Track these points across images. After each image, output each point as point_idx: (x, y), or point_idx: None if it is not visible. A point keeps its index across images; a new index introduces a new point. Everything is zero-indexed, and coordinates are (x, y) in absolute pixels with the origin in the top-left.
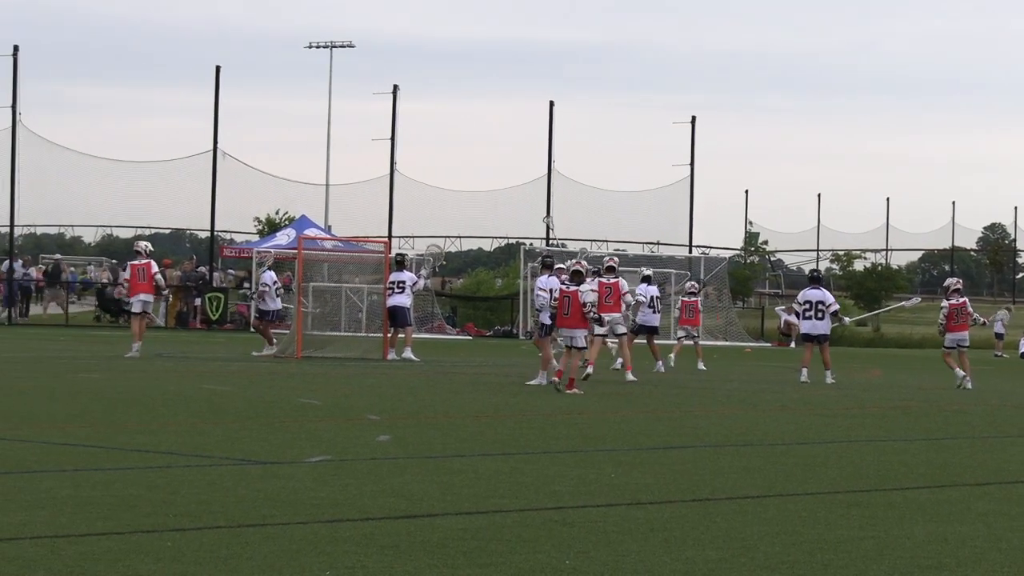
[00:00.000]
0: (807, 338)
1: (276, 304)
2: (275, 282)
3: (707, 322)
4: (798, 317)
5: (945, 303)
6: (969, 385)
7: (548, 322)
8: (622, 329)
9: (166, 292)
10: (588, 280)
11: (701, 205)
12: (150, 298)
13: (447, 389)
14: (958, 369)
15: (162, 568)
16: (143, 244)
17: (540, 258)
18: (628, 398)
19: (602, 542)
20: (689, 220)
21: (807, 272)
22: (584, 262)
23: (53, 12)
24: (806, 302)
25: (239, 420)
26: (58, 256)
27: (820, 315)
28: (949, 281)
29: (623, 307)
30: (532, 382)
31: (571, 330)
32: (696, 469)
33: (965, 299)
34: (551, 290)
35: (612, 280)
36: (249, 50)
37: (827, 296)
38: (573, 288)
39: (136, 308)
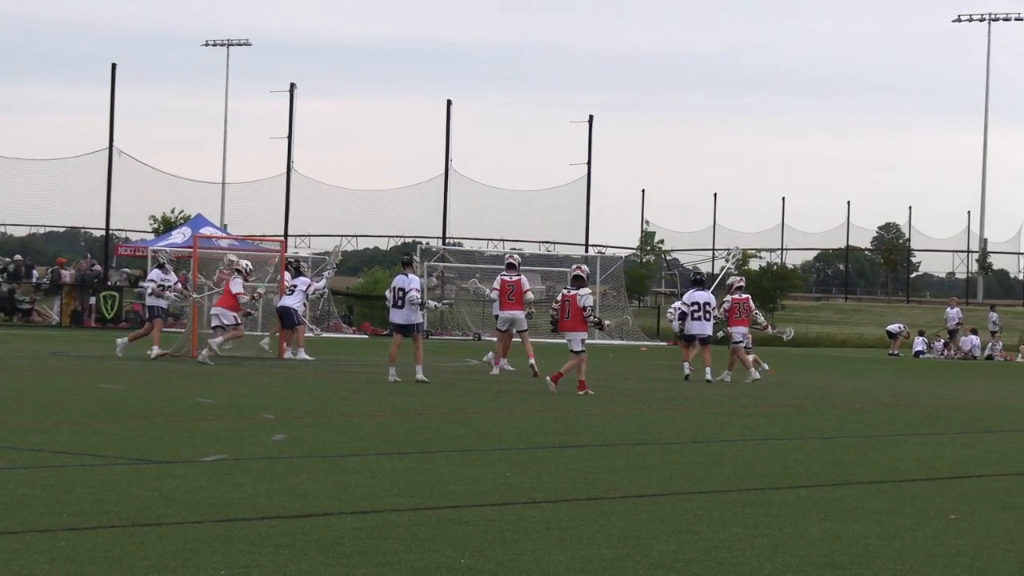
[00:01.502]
0: (693, 338)
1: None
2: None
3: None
4: (685, 318)
5: (728, 298)
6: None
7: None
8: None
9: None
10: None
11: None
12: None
13: (343, 388)
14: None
15: (56, 568)
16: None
17: (407, 257)
18: (524, 397)
19: (497, 541)
20: (586, 219)
21: (691, 275)
22: (584, 267)
23: None
24: (693, 303)
25: (134, 419)
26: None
27: (707, 316)
28: (733, 279)
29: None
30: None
31: (570, 333)
32: (591, 468)
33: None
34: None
35: (515, 278)
36: (146, 47)
37: (712, 298)
38: (573, 292)
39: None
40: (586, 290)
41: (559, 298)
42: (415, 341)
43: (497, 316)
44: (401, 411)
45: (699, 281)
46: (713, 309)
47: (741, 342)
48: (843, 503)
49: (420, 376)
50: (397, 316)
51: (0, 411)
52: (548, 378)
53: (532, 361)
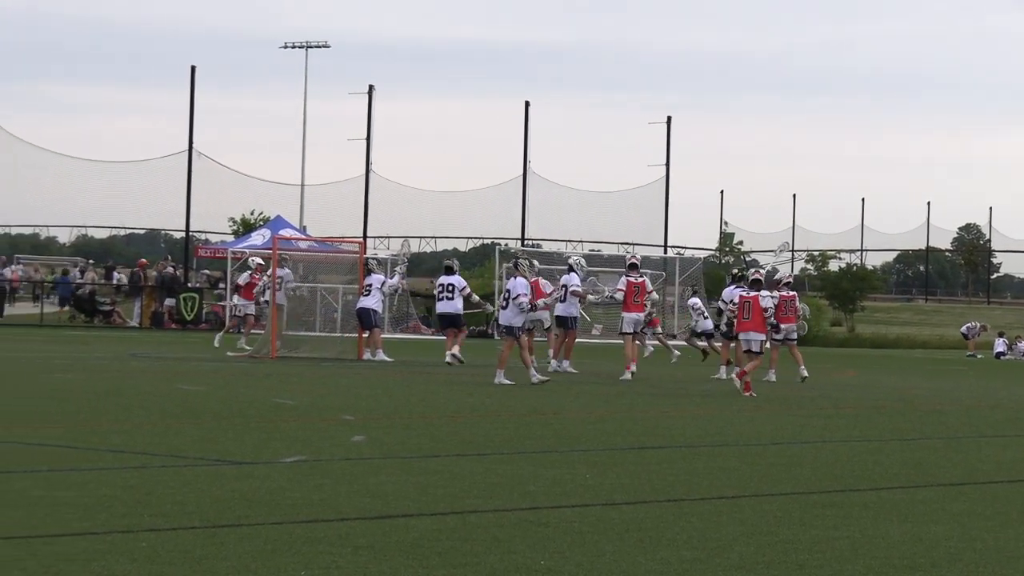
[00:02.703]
0: (734, 337)
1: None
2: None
3: (683, 322)
4: (721, 315)
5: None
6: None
7: (519, 323)
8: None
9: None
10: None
11: (676, 205)
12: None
13: (422, 389)
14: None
15: (137, 568)
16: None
17: (513, 260)
18: (604, 398)
19: (577, 542)
20: (664, 220)
21: (735, 273)
22: (762, 271)
23: (29, 11)
24: (731, 300)
25: (214, 420)
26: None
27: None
28: (780, 275)
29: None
30: (499, 381)
31: (749, 334)
32: (671, 469)
33: (795, 293)
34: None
35: (640, 279)
36: (225, 50)
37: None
38: (753, 294)
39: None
40: (767, 292)
41: (736, 299)
42: (519, 343)
43: (623, 318)
44: (480, 412)
45: (739, 278)
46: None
47: (793, 339)
48: (924, 505)
49: (536, 379)
50: (503, 318)
51: (81, 412)
52: (736, 381)
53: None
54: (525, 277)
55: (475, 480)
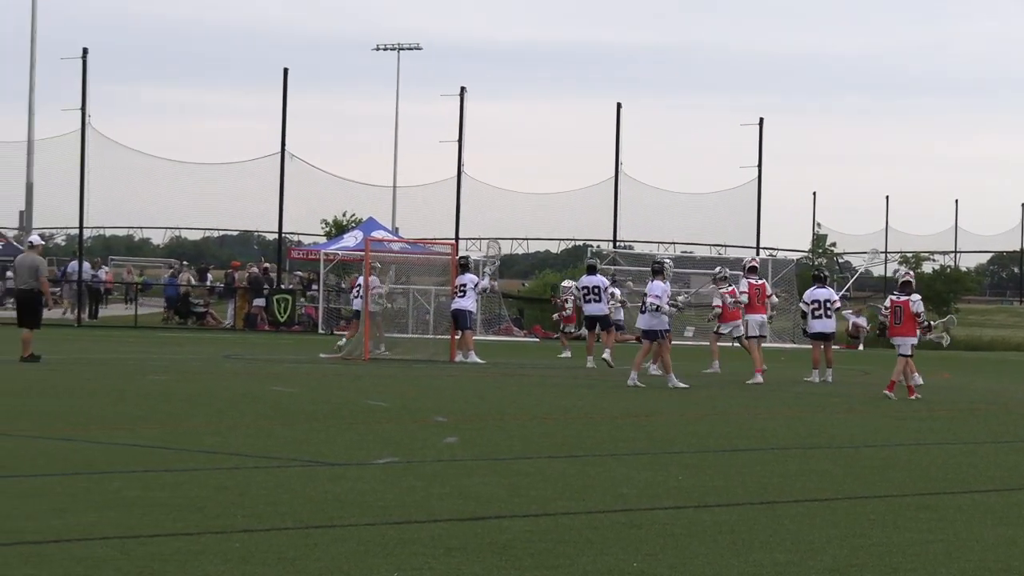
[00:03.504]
0: (818, 336)
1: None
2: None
3: (776, 325)
4: (805, 317)
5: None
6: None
7: (666, 327)
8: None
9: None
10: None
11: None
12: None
13: (514, 391)
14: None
15: (230, 569)
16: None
17: (654, 264)
18: (695, 400)
19: (670, 544)
20: (757, 222)
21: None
22: (912, 273)
23: (122, 15)
24: (814, 301)
25: (307, 422)
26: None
27: (828, 313)
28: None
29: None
30: (632, 382)
31: (901, 337)
32: (763, 471)
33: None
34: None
35: (760, 281)
36: (317, 52)
37: (833, 295)
38: (904, 298)
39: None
40: (917, 296)
41: (887, 303)
42: (660, 347)
43: (747, 320)
44: (572, 414)
45: (821, 278)
46: (833, 306)
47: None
48: (1019, 508)
49: (675, 383)
50: (641, 321)
51: (175, 413)
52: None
53: (760, 378)
54: (664, 281)
55: (568, 482)
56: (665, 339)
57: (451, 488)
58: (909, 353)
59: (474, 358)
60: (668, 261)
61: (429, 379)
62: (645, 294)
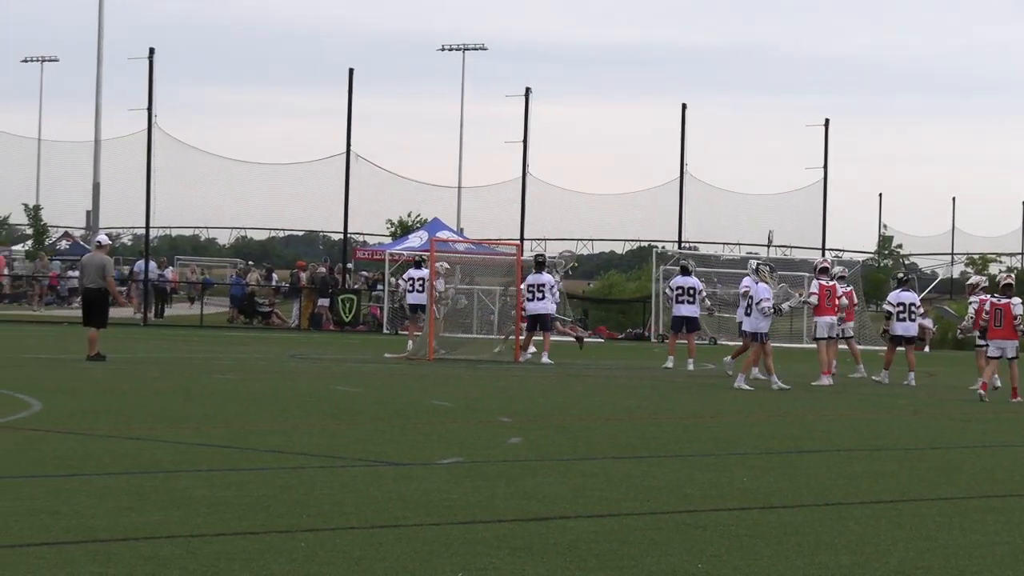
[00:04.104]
0: (898, 340)
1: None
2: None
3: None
4: (889, 318)
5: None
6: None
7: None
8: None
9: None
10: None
11: (834, 208)
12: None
13: (579, 392)
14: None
15: (296, 568)
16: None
17: (756, 265)
18: (761, 402)
19: (734, 546)
20: (822, 223)
21: (900, 276)
22: (1012, 275)
23: (189, 15)
24: (899, 303)
25: (372, 421)
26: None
27: (913, 317)
28: (976, 279)
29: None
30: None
31: (1003, 341)
32: (828, 473)
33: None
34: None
35: (831, 283)
36: (383, 53)
37: (916, 298)
38: (1004, 301)
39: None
40: (1018, 299)
41: (988, 307)
42: (763, 348)
43: (817, 322)
44: (636, 415)
45: (905, 281)
46: (918, 310)
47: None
48: None
49: (778, 384)
50: (747, 324)
51: (240, 413)
52: (979, 390)
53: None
54: (767, 283)
55: (632, 483)
56: (766, 341)
57: (515, 488)
58: (1014, 356)
59: (546, 359)
60: (769, 264)
61: (493, 379)
62: (750, 296)
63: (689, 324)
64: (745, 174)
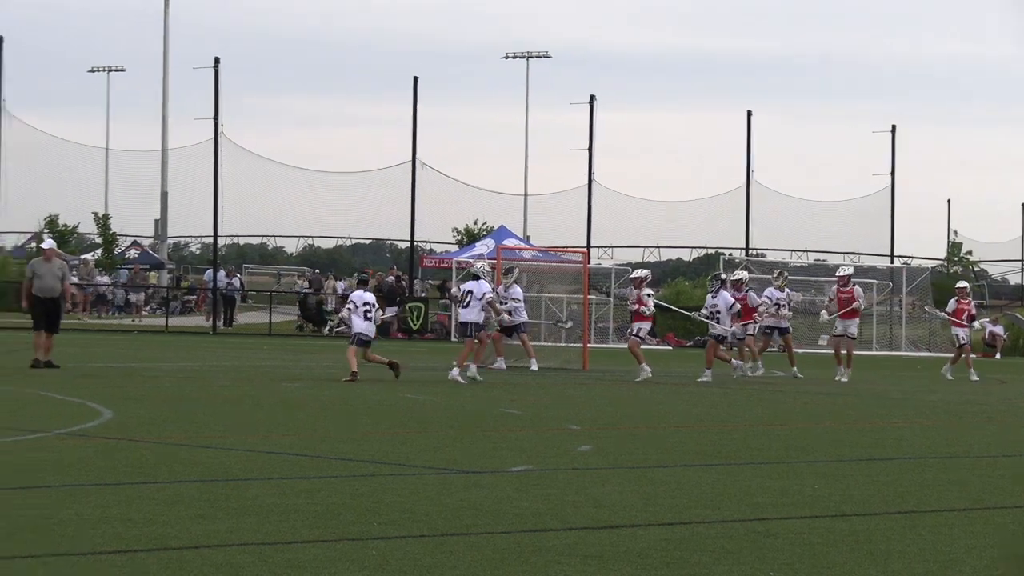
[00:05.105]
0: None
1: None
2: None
3: (910, 332)
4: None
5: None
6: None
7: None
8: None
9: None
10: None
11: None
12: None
13: (648, 399)
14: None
15: None
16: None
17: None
18: (830, 408)
19: (806, 554)
20: (890, 230)
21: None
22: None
23: (253, 26)
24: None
25: (441, 429)
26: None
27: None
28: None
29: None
30: None
31: None
32: (900, 481)
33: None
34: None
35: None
36: (447, 61)
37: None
38: None
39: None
40: None
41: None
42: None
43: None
44: (705, 422)
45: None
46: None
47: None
48: None
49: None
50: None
51: (309, 421)
52: None
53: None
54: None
55: (702, 490)
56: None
57: (585, 496)
58: None
59: (534, 366)
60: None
61: (562, 387)
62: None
63: (782, 332)
64: (811, 181)
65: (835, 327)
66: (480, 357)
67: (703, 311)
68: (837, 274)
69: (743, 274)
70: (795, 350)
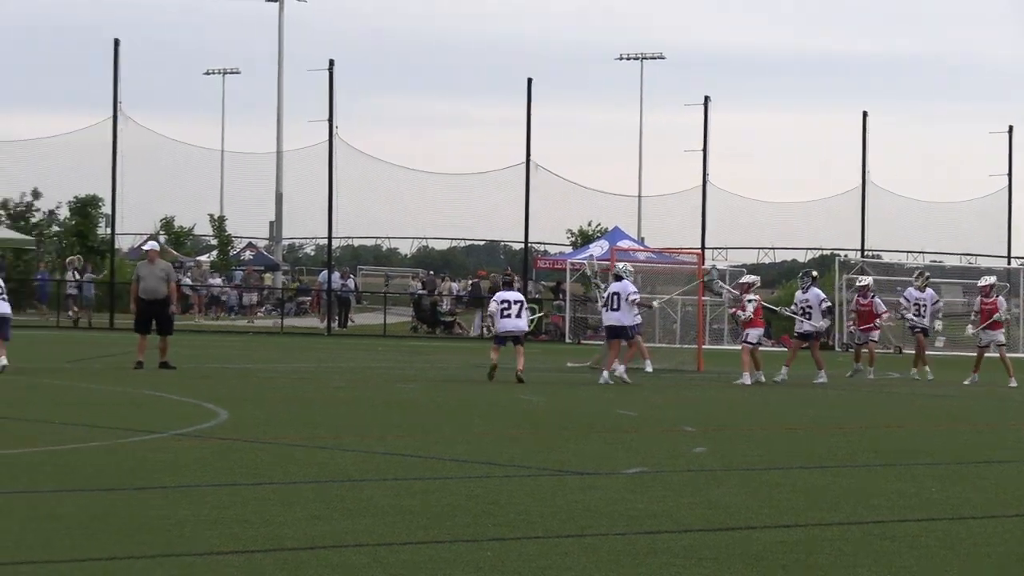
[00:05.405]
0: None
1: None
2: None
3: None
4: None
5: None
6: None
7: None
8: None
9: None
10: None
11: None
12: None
13: (762, 401)
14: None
15: None
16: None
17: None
18: (948, 410)
19: (923, 557)
20: (1007, 231)
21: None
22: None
23: (367, 28)
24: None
25: (556, 431)
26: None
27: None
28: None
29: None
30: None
31: None
32: (1020, 484)
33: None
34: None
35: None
36: (561, 62)
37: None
38: None
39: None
40: None
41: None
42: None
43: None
44: (820, 424)
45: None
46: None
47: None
48: None
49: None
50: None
51: (425, 422)
52: None
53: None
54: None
55: (818, 492)
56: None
57: (700, 498)
58: None
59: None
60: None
61: (676, 389)
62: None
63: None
64: (926, 181)
65: (979, 338)
66: (629, 358)
67: (792, 307)
68: (979, 284)
69: (868, 279)
70: (908, 352)
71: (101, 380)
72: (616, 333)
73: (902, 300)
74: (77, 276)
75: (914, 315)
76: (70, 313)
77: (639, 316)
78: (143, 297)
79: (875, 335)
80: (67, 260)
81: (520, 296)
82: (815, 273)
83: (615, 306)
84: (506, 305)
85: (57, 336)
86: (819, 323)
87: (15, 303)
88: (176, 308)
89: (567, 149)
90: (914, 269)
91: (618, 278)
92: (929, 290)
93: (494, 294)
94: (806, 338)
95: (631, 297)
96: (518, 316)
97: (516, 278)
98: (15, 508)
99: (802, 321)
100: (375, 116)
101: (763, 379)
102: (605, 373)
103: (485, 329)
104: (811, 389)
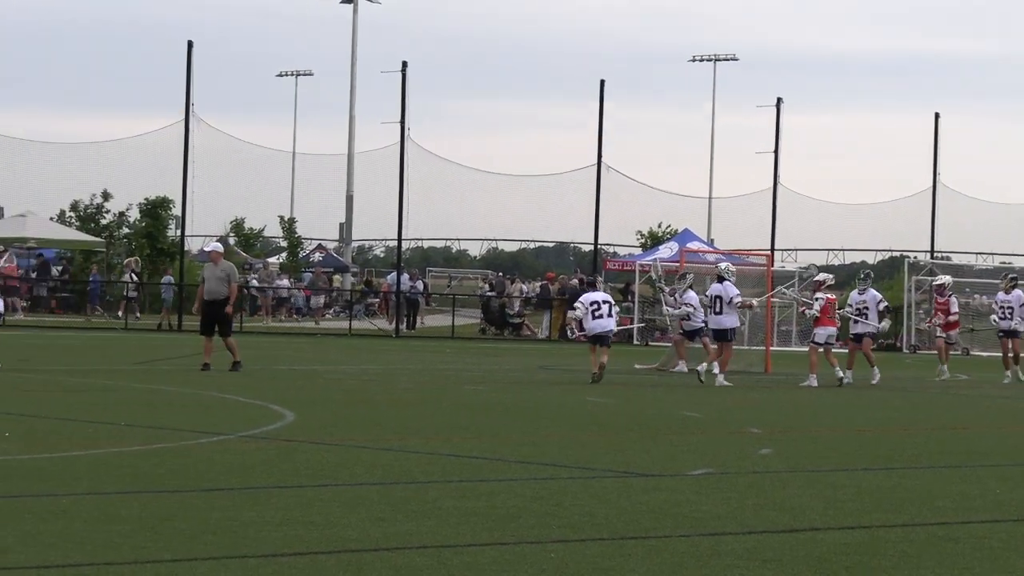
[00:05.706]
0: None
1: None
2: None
3: None
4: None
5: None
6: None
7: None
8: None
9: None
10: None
11: None
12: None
13: (828, 402)
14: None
15: None
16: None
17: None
18: (1013, 412)
19: (987, 558)
20: None
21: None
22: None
23: (441, 30)
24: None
25: (621, 432)
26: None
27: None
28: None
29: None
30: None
31: None
32: None
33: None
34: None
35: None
36: (633, 64)
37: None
38: None
39: None
40: None
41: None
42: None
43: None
44: (887, 426)
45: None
46: None
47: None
48: None
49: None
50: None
51: (492, 424)
52: None
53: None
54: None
55: (883, 494)
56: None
57: (766, 500)
58: None
59: (848, 376)
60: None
61: (743, 390)
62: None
63: (1012, 335)
64: (997, 182)
65: None
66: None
67: (848, 308)
68: None
69: (946, 278)
70: (979, 354)
71: (168, 382)
72: (720, 336)
73: (993, 305)
74: (135, 278)
75: (1000, 318)
76: (136, 315)
77: (739, 318)
78: (205, 298)
79: (952, 334)
80: (124, 262)
81: (608, 296)
82: (871, 273)
83: (717, 309)
84: (596, 306)
85: (123, 338)
86: (876, 324)
87: (78, 305)
88: (229, 308)
89: (638, 150)
90: (984, 270)
91: (720, 279)
92: (1016, 291)
93: (564, 296)
94: (859, 339)
95: (735, 300)
96: (609, 315)
97: (599, 279)
98: (80, 510)
99: (856, 322)
100: (446, 118)
101: (850, 379)
102: (718, 374)
103: (569, 331)
104: (877, 391)
